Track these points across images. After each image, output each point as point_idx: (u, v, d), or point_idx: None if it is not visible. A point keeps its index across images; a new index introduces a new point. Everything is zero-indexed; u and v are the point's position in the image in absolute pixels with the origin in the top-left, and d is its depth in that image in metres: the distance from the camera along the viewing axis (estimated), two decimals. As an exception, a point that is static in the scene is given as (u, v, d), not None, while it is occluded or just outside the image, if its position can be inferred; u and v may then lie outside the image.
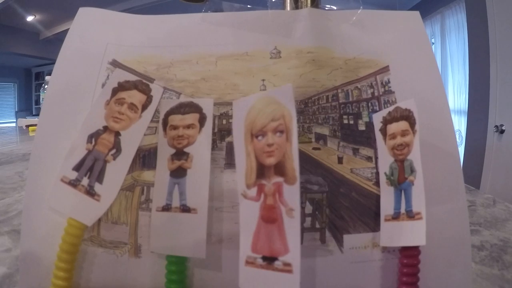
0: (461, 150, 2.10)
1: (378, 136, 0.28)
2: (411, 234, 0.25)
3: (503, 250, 0.40)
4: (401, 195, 0.26)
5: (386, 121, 0.28)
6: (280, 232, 0.21)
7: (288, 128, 0.22)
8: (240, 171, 0.23)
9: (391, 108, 0.28)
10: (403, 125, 0.27)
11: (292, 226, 0.21)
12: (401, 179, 0.26)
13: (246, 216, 0.23)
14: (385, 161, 0.28)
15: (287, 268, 0.21)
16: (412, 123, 0.26)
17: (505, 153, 1.76)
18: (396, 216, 0.26)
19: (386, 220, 0.27)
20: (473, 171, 1.88)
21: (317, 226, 0.27)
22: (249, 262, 0.22)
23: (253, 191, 0.23)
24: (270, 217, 0.22)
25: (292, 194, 0.21)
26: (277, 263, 0.21)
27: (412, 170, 0.26)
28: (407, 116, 0.27)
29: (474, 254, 0.39)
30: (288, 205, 0.21)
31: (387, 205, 0.27)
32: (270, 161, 0.22)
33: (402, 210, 0.26)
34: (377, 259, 0.27)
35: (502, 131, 1.77)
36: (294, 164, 0.21)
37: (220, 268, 0.27)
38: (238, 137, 0.23)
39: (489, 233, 0.46)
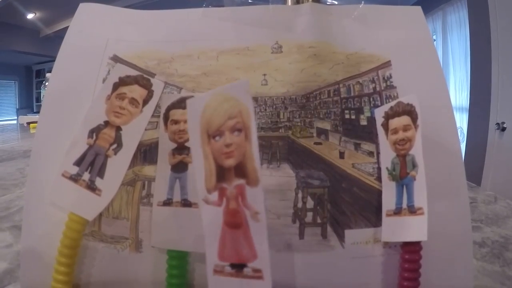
0: (463, 147, 2.09)
1: (380, 131, 0.28)
2: (412, 229, 0.25)
3: (504, 247, 0.40)
4: (402, 190, 0.26)
5: (388, 116, 0.28)
6: (246, 238, 0.20)
7: (247, 125, 0.20)
8: (199, 175, 0.22)
9: (393, 103, 0.28)
10: (405, 120, 0.27)
11: (258, 231, 0.20)
12: (403, 174, 0.26)
13: (209, 222, 0.21)
14: (387, 156, 0.27)
15: (257, 274, 0.20)
16: (414, 118, 0.26)
17: (506, 150, 1.75)
18: (397, 211, 0.26)
19: (387, 215, 0.26)
20: (474, 168, 1.87)
21: (319, 221, 0.27)
22: (218, 271, 0.21)
23: (214, 196, 0.21)
24: (234, 222, 0.20)
25: (255, 196, 0.20)
26: (247, 270, 0.20)
27: (414, 165, 0.26)
28: (409, 111, 0.27)
29: (476, 251, 0.39)
30: (252, 208, 0.20)
31: (388, 200, 0.27)
32: (229, 162, 0.20)
33: (404, 205, 0.26)
34: (379, 254, 0.27)
35: (503, 129, 1.77)
36: (256, 164, 0.20)
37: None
38: (194, 139, 0.22)
39: (490, 230, 0.46)
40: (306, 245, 0.27)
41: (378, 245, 0.27)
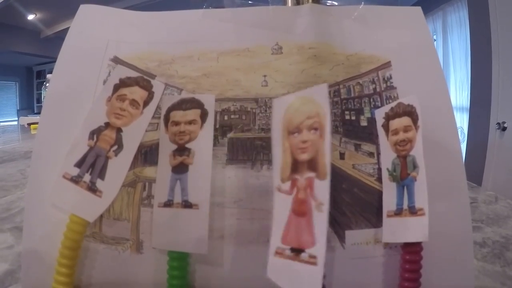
0: (463, 147, 2.09)
1: (381, 132, 0.28)
2: (413, 230, 0.25)
3: (505, 247, 0.40)
4: (403, 191, 0.26)
5: (389, 117, 0.28)
6: (308, 225, 0.22)
7: (322, 125, 0.22)
8: (276, 166, 0.24)
9: (393, 104, 0.28)
10: (405, 120, 0.27)
11: (320, 220, 0.21)
12: (403, 175, 0.26)
13: (279, 209, 0.24)
14: (388, 157, 0.27)
15: (312, 260, 0.21)
16: (414, 119, 0.26)
17: (507, 150, 1.75)
18: (398, 212, 0.26)
19: (388, 216, 0.26)
20: (475, 168, 1.87)
21: (319, 222, 0.27)
22: (278, 253, 0.23)
23: (286, 185, 0.23)
24: (300, 211, 0.22)
25: (322, 189, 0.22)
26: (304, 255, 0.21)
27: (415, 166, 0.26)
28: (410, 112, 0.27)
29: (476, 251, 0.39)
30: (318, 199, 0.22)
31: (389, 201, 0.27)
32: (304, 157, 0.23)
33: (405, 206, 0.26)
34: (379, 255, 0.27)
35: (504, 128, 1.76)
36: (326, 160, 0.22)
37: (221, 263, 0.27)
38: (276, 134, 0.24)
39: (491, 230, 0.45)
40: (307, 246, 0.27)
41: (378, 246, 0.27)
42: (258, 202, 0.27)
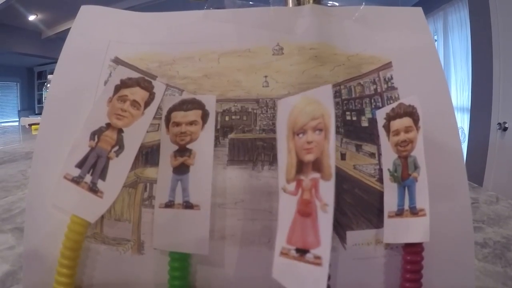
0: (464, 147, 2.09)
1: (382, 132, 0.28)
2: (414, 230, 0.25)
3: (506, 248, 0.40)
4: (404, 192, 0.26)
5: (390, 118, 0.28)
6: (313, 226, 0.22)
7: (327, 126, 0.22)
8: (281, 167, 0.24)
9: (394, 105, 0.28)
10: (406, 121, 0.27)
11: (325, 221, 0.21)
12: (404, 176, 0.26)
13: (284, 209, 0.24)
14: (389, 157, 0.27)
15: (317, 261, 0.21)
16: (415, 120, 0.26)
17: (508, 150, 1.75)
18: (399, 213, 0.26)
19: (389, 216, 0.26)
20: (476, 168, 1.87)
21: (320, 222, 0.27)
22: (284, 253, 0.23)
23: (292, 186, 0.23)
24: (305, 211, 0.22)
25: (327, 189, 0.22)
26: (309, 256, 0.22)
27: (416, 167, 0.26)
28: (411, 113, 0.27)
29: (477, 251, 0.39)
30: (322, 200, 0.22)
31: (390, 201, 0.27)
32: (309, 157, 0.23)
33: (406, 206, 0.26)
34: (380, 255, 0.27)
35: (505, 129, 1.76)
36: (331, 161, 0.22)
37: (223, 264, 0.27)
38: (281, 135, 0.24)
39: (492, 230, 0.45)
40: (308, 246, 0.27)
41: (380, 246, 0.27)
42: (259, 202, 0.27)
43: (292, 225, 0.23)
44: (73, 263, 0.26)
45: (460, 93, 2.97)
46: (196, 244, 0.26)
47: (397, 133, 0.27)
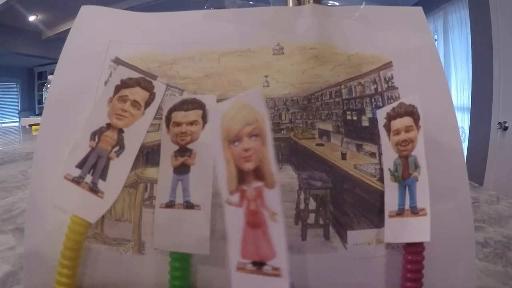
0: (465, 147, 2.09)
1: (382, 132, 0.28)
2: (415, 230, 0.25)
3: (507, 247, 0.40)
4: (405, 191, 0.26)
5: (390, 117, 0.28)
6: (265, 237, 0.21)
7: (263, 131, 0.21)
8: (221, 178, 0.23)
9: (395, 104, 0.28)
10: (407, 121, 0.27)
11: (276, 230, 0.21)
12: (405, 175, 0.26)
13: (232, 222, 0.23)
14: (389, 157, 0.27)
15: (276, 272, 0.21)
16: (416, 119, 0.26)
17: (508, 150, 1.75)
18: (400, 212, 0.26)
19: (390, 216, 0.26)
20: (476, 168, 1.87)
21: (321, 222, 0.27)
22: (240, 268, 0.22)
23: (235, 198, 0.22)
24: (254, 222, 0.22)
25: (273, 198, 0.21)
26: (266, 268, 0.21)
27: (417, 166, 0.26)
28: (411, 112, 0.27)
29: (478, 251, 0.39)
30: (270, 209, 0.21)
31: (391, 201, 0.27)
32: (248, 166, 0.22)
33: (407, 206, 0.26)
34: (381, 255, 0.27)
35: (505, 128, 1.76)
36: (272, 168, 0.21)
37: (223, 264, 0.27)
38: (216, 144, 0.23)
39: (493, 229, 0.45)
40: (309, 246, 0.26)
41: (380, 246, 0.27)
42: (260, 202, 0.27)
43: (244, 238, 0.22)
44: (74, 264, 0.26)
45: (460, 92, 2.97)
46: (197, 244, 0.26)
47: (397, 132, 0.27)
